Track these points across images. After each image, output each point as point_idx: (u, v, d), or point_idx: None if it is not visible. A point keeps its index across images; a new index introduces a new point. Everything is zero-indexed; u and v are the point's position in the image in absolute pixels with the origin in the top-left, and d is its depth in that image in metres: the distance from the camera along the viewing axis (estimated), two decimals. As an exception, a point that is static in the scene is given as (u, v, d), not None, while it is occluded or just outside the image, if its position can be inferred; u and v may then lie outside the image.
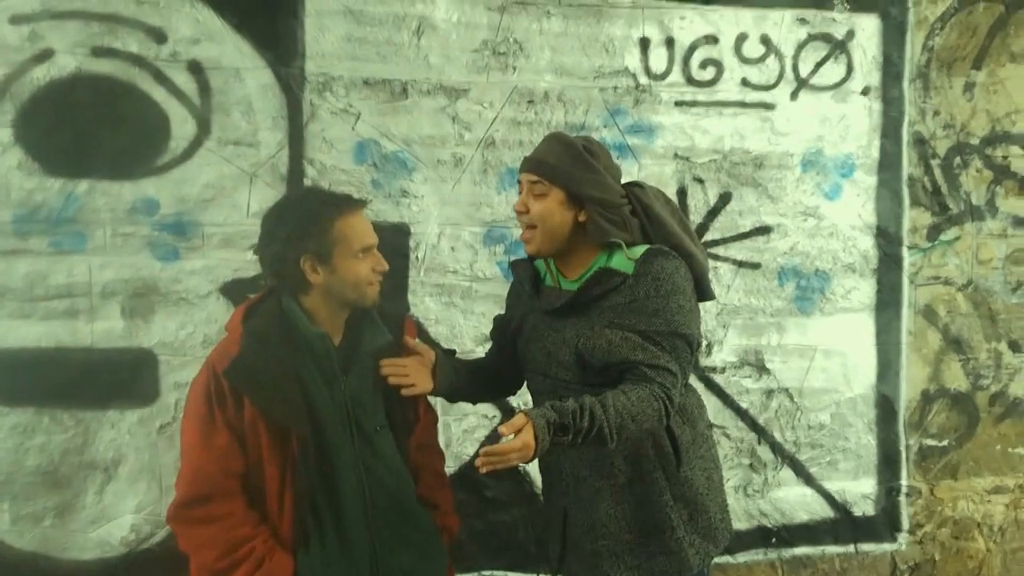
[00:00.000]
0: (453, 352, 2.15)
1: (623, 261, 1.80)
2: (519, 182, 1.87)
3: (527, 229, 1.83)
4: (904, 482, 3.15)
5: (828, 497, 3.10)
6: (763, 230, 2.97)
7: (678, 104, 2.85)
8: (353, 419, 1.89)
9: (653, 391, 1.69)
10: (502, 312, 2.13)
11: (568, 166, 1.79)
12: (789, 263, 3.00)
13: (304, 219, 1.81)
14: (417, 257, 2.70)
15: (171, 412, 2.55)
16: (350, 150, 2.64)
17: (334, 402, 1.87)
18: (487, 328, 2.72)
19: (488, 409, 2.78)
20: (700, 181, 2.88)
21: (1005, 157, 3.12)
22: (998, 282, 3.18)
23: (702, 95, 2.87)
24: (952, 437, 3.19)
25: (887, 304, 3.09)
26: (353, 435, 1.89)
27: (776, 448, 3.04)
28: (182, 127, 2.53)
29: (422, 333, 2.68)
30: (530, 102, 2.74)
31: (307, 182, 2.60)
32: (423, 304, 2.71)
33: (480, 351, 2.74)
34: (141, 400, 2.54)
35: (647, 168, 2.82)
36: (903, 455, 3.15)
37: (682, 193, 2.86)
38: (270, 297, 1.92)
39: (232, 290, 2.57)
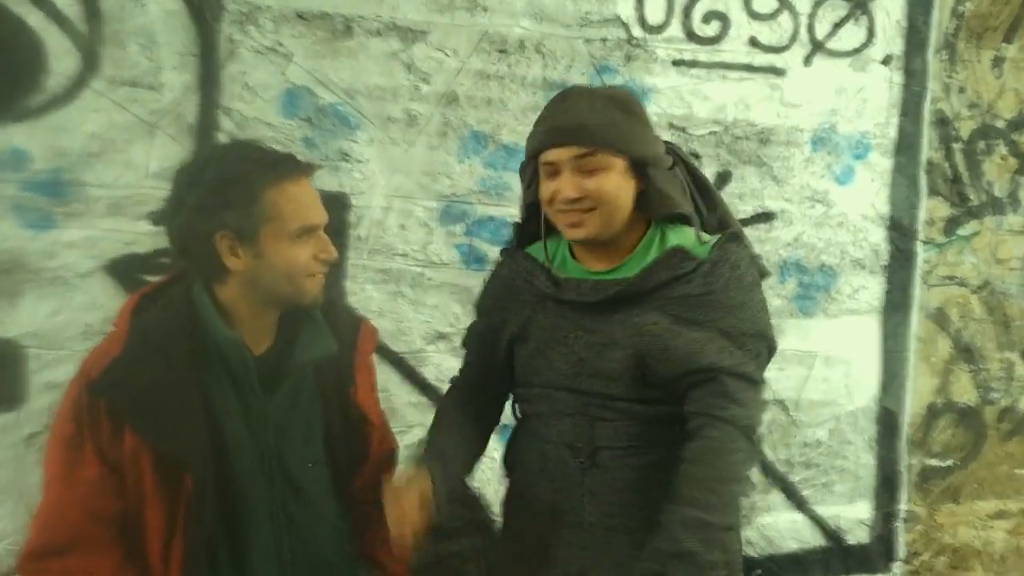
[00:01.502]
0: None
1: (692, 241, 1.47)
2: (543, 164, 1.44)
3: (579, 213, 1.42)
4: (903, 506, 2.81)
5: (820, 524, 2.74)
6: (765, 216, 2.56)
7: (676, 64, 2.40)
8: (275, 453, 1.45)
9: (728, 433, 1.35)
10: (477, 319, 1.67)
11: (624, 124, 1.43)
12: (792, 256, 2.59)
13: (224, 182, 1.38)
14: (358, 236, 2.21)
15: (42, 419, 2.02)
16: (277, 99, 2.13)
17: (250, 430, 1.44)
18: (441, 324, 2.26)
19: (439, 421, 2.33)
20: (697, 156, 2.44)
21: (1032, 144, 2.77)
22: (1015, 284, 2.83)
23: (703, 54, 2.43)
24: (957, 456, 2.86)
25: (896, 306, 2.72)
26: (273, 474, 1.45)
27: (767, 468, 2.65)
28: (62, 61, 1.98)
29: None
30: (502, 51, 2.26)
31: (221, 137, 2.08)
32: (363, 293, 2.23)
33: (431, 350, 2.28)
34: (3, 403, 2.02)
35: (637, 138, 2.37)
36: (903, 476, 2.80)
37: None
38: (176, 284, 1.47)
39: (122, 269, 2.05)
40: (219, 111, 2.09)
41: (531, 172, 1.51)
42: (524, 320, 1.54)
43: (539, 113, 1.51)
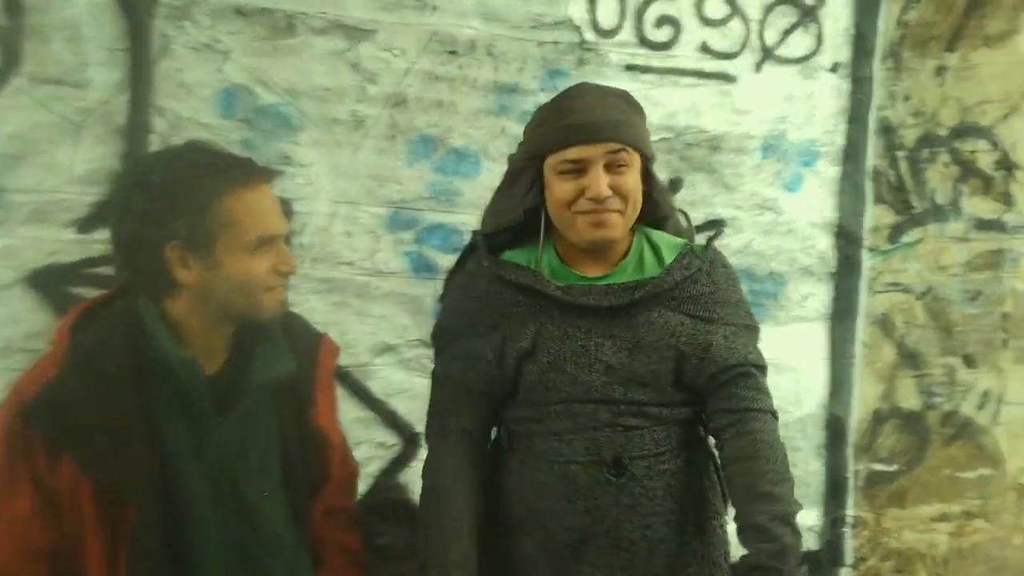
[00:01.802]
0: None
1: (677, 244, 1.50)
2: (561, 163, 1.39)
3: (606, 213, 1.38)
4: (850, 512, 2.82)
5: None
6: (715, 224, 2.53)
7: (628, 68, 2.36)
8: (227, 481, 1.35)
9: (768, 423, 1.42)
10: (457, 344, 1.51)
11: (640, 123, 1.47)
12: (742, 263, 2.58)
13: (175, 187, 1.29)
14: (301, 244, 2.11)
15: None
16: (214, 99, 2.02)
17: (201, 457, 1.33)
18: (388, 336, 2.17)
19: (387, 436, 2.24)
20: (650, 163, 2.41)
21: (973, 152, 2.81)
22: (956, 290, 2.88)
23: (656, 60, 2.39)
24: (902, 461, 2.89)
25: (843, 313, 2.73)
26: (226, 503, 1.35)
27: (718, 476, 2.63)
28: (-22, 55, 1.85)
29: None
30: (452, 52, 2.19)
31: (153, 138, 1.96)
32: (307, 303, 2.12)
33: (378, 363, 2.19)
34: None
35: (590, 144, 2.33)
36: (850, 482, 2.82)
37: (629, 176, 2.39)
38: (119, 299, 1.36)
39: (45, 280, 1.91)
40: (151, 111, 1.97)
41: (532, 174, 1.44)
42: (531, 334, 1.43)
43: (540, 113, 1.47)
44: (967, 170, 2.81)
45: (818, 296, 2.69)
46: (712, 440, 1.52)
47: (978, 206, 2.84)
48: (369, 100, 2.14)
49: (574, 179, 1.39)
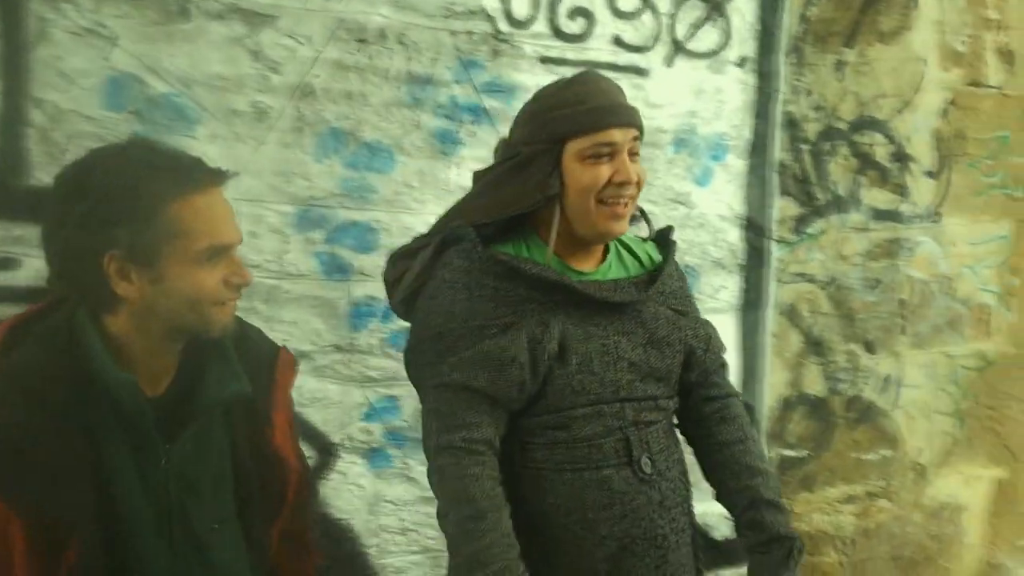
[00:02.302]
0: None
1: (640, 240, 1.56)
2: (594, 146, 1.33)
3: (625, 206, 1.36)
4: (764, 498, 2.87)
5: (690, 522, 2.75)
6: (632, 219, 2.51)
7: (543, 61, 2.30)
8: (177, 512, 1.23)
9: (741, 406, 1.55)
10: (473, 347, 1.34)
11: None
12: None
13: (116, 191, 1.17)
14: (203, 245, 1.95)
15: None
16: (99, 89, 1.83)
17: (147, 486, 1.21)
18: (300, 342, 2.04)
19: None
20: (566, 157, 2.36)
21: (870, 145, 2.90)
22: (857, 279, 2.97)
23: (570, 52, 2.35)
24: (810, 446, 2.96)
25: (753, 304, 2.77)
26: (174, 536, 1.23)
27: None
28: None
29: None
30: (361, 41, 2.07)
31: (30, 132, 1.77)
32: (211, 310, 1.97)
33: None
34: None
35: (506, 138, 2.26)
36: (764, 469, 2.87)
37: (546, 171, 2.33)
38: (53, 315, 1.22)
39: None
40: (28, 102, 1.78)
41: (552, 159, 1.34)
42: (557, 334, 1.33)
43: (552, 98, 1.39)
44: (865, 162, 2.90)
45: (729, 288, 2.72)
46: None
47: (876, 197, 2.94)
48: (272, 91, 2.00)
49: (601, 164, 1.33)
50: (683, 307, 1.48)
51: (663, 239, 1.55)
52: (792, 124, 2.76)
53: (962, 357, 3.19)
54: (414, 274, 1.42)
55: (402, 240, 2.15)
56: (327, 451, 2.14)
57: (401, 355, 2.18)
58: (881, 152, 2.92)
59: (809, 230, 2.85)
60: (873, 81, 2.87)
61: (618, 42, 2.41)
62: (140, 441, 1.21)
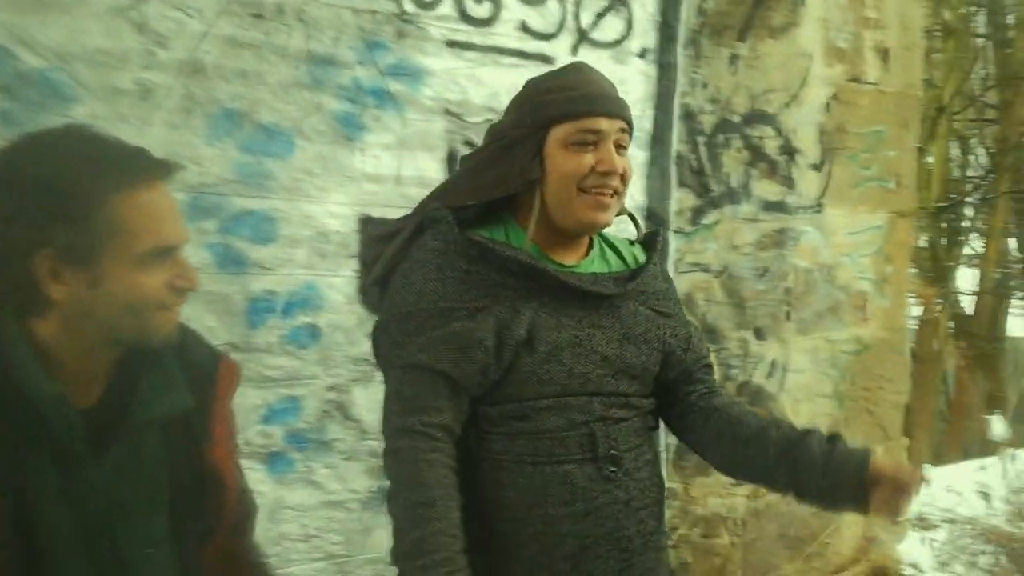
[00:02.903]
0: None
1: (626, 239, 1.51)
2: (579, 132, 1.29)
3: (609, 195, 1.31)
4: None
5: (594, 512, 2.75)
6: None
7: (450, 45, 2.22)
8: (105, 534, 1.11)
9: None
10: (436, 326, 1.29)
11: None
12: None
13: (52, 183, 1.05)
14: (81, 236, 1.77)
15: None
16: (-41, 59, 1.62)
17: (72, 507, 1.09)
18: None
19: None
20: (472, 146, 2.29)
21: (760, 138, 2.99)
22: (747, 268, 3.06)
23: (477, 36, 2.28)
24: (706, 433, 3.03)
25: (654, 294, 2.80)
26: (100, 559, 1.11)
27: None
28: None
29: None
30: (257, 16, 1.93)
31: None
32: (91, 307, 1.79)
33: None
34: None
35: (412, 124, 2.16)
36: (663, 456, 2.91)
37: (452, 159, 2.25)
38: None
39: None
40: None
41: (535, 143, 1.30)
42: (527, 321, 1.29)
43: (542, 82, 1.36)
44: (756, 155, 2.98)
45: (632, 278, 2.73)
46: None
47: (765, 189, 3.03)
48: (159, 67, 1.83)
49: (586, 152, 1.29)
50: (666, 309, 1.43)
51: (650, 241, 1.51)
52: (689, 116, 2.80)
53: (841, 342, 3.35)
54: (388, 256, 1.37)
55: (303, 231, 2.03)
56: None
57: (301, 353, 2.09)
58: (771, 145, 3.01)
59: (705, 221, 2.90)
60: (763, 75, 2.95)
61: (525, 28, 2.36)
62: (65, 455, 1.08)
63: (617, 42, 2.57)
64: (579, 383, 1.31)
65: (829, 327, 3.30)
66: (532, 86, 1.39)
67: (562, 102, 1.30)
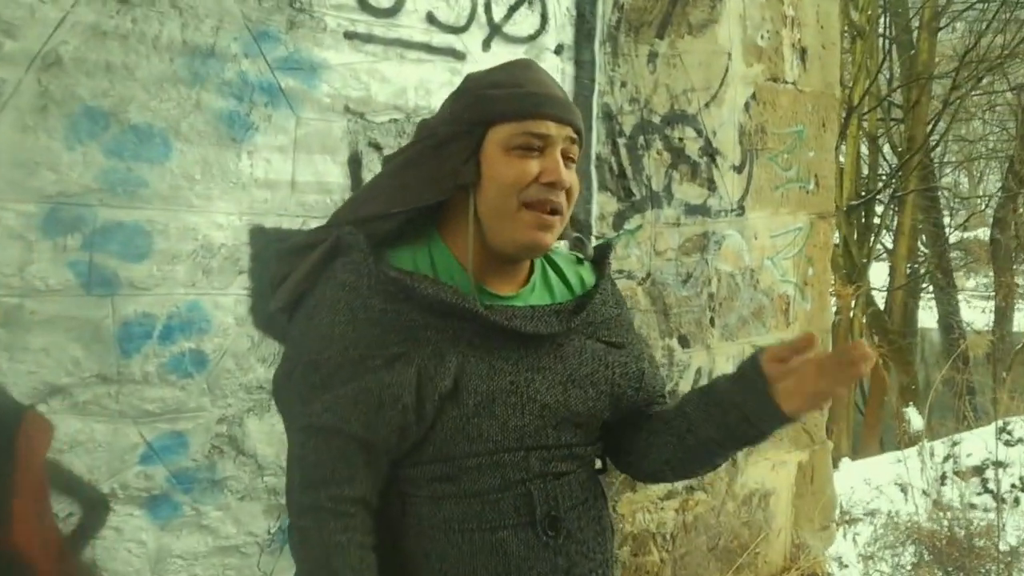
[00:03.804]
0: None
1: (574, 259, 1.32)
2: (523, 135, 1.13)
3: (553, 215, 1.14)
4: (590, 503, 2.78)
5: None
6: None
7: (349, 36, 2.03)
8: None
9: None
10: (341, 377, 1.11)
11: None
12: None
13: None
14: (-92, 257, 1.51)
15: None
16: None
17: None
18: (55, 374, 1.65)
19: (62, 504, 1.70)
20: (378, 148, 2.10)
21: (681, 139, 2.88)
22: (671, 274, 2.95)
23: (379, 28, 2.09)
24: (633, 446, 2.91)
25: (576, 303, 2.66)
26: None
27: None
28: None
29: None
30: (123, 2, 1.69)
31: None
32: (-76, 339, 1.53)
33: (43, 411, 1.65)
34: None
35: (308, 124, 1.95)
36: (589, 473, 2.77)
37: (356, 163, 2.06)
38: None
39: None
40: None
41: (471, 143, 1.13)
42: (455, 368, 1.10)
43: (487, 76, 1.19)
44: (677, 157, 2.88)
45: (552, 287, 2.59)
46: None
47: (687, 192, 2.93)
48: (6, 60, 1.58)
49: (530, 159, 1.12)
50: (618, 338, 1.26)
51: (600, 261, 1.33)
52: (608, 117, 2.67)
53: (765, 346, 3.28)
54: (296, 280, 1.17)
55: (183, 245, 1.80)
56: (96, 504, 1.75)
57: (185, 383, 1.86)
58: (692, 147, 2.91)
59: (627, 226, 2.78)
60: (683, 74, 2.84)
61: (432, 20, 2.18)
62: None
63: (532, 37, 2.42)
64: (515, 437, 1.14)
65: (753, 332, 3.22)
66: (473, 79, 1.22)
67: (506, 99, 1.14)
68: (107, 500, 1.77)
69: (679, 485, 3.06)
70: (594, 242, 2.68)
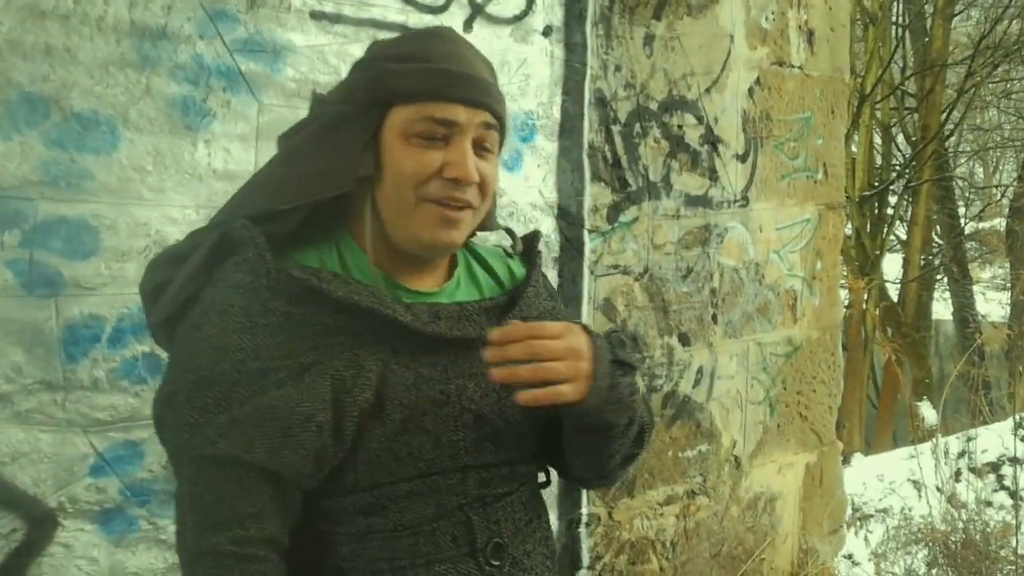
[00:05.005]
0: None
1: (502, 252, 1.18)
2: (425, 120, 0.98)
3: (460, 210, 0.99)
4: (584, 510, 2.64)
5: (507, 546, 2.46)
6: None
7: (315, 17, 1.89)
8: None
9: None
10: (236, 398, 0.94)
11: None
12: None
13: None
14: None
15: None
16: None
17: None
18: (-10, 382, 1.53)
19: (3, 521, 1.59)
20: (349, 135, 1.97)
21: (680, 127, 2.73)
22: (671, 269, 2.80)
23: (348, 7, 1.95)
24: (630, 450, 2.77)
25: (568, 300, 2.52)
26: None
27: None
28: None
29: None
30: (62, -21, 1.57)
31: None
32: None
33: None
34: None
35: (272, 111, 1.82)
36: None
37: (324, 152, 1.93)
38: None
39: None
40: None
41: (369, 126, 0.98)
42: (376, 378, 0.95)
43: (393, 46, 1.04)
44: (676, 145, 2.73)
45: (543, 284, 2.45)
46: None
47: (687, 182, 2.78)
48: (-68, 41, 1.46)
49: (432, 149, 0.98)
50: None
51: (530, 251, 1.19)
52: (602, 103, 2.53)
53: (771, 344, 3.14)
54: (177, 288, 1.00)
55: (134, 241, 1.68)
56: (42, 520, 1.63)
57: (139, 388, 1.73)
58: (692, 134, 2.76)
59: (622, 218, 2.63)
60: (682, 58, 2.69)
61: None
62: None
63: (517, 18, 2.28)
64: (450, 455, 1.00)
65: (759, 329, 3.08)
66: (377, 47, 1.06)
67: (408, 75, 0.98)
68: (55, 515, 1.65)
69: (680, 489, 2.93)
70: (588, 235, 2.54)
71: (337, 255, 1.02)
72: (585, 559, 2.66)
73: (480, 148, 1.00)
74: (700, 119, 2.76)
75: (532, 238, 1.20)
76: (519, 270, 1.16)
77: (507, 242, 1.20)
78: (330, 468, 0.95)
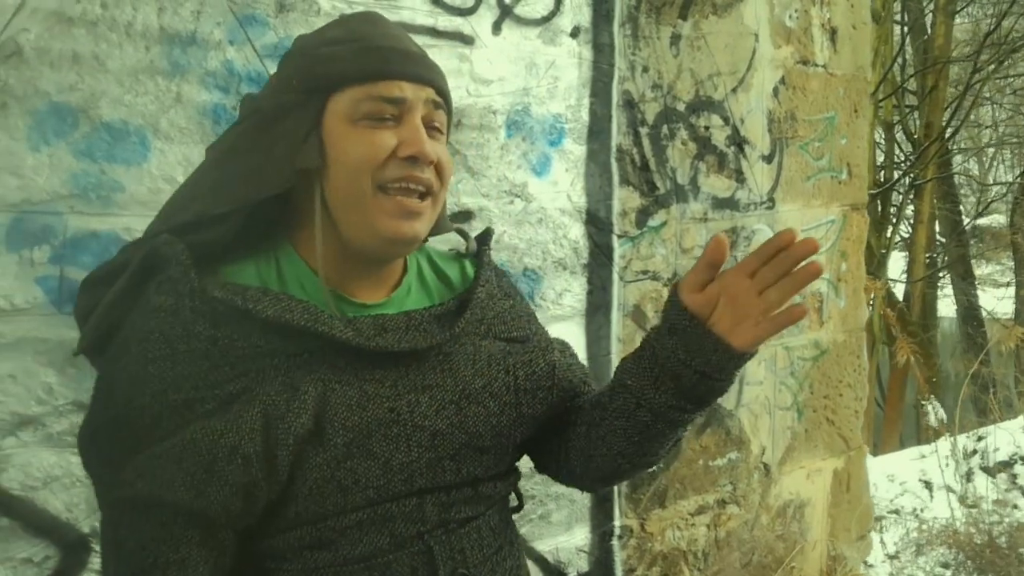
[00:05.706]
0: None
1: (454, 253, 1.14)
2: (374, 99, 0.91)
3: (420, 197, 0.92)
4: (617, 523, 2.58)
5: (540, 561, 2.40)
6: (463, 216, 2.11)
7: (346, 20, 1.83)
8: None
9: None
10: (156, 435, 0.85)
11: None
12: (495, 260, 2.19)
13: None
14: None
15: None
16: None
17: None
18: (23, 403, 1.48)
19: (35, 548, 1.52)
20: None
21: (707, 128, 2.68)
22: (698, 273, 2.75)
23: (379, 10, 1.88)
24: (661, 459, 2.71)
25: (598, 307, 2.46)
26: None
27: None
28: None
29: None
30: (91, -15, 1.51)
31: None
32: None
33: (11, 446, 1.48)
34: None
35: (303, 118, 1.77)
36: (615, 489, 2.58)
37: (356, 160, 1.87)
38: None
39: None
40: None
41: (310, 115, 0.91)
42: (315, 401, 0.86)
43: (326, 31, 0.98)
44: (704, 147, 2.68)
45: (573, 291, 2.39)
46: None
47: (714, 184, 2.73)
48: (-43, 50, 1.40)
49: (383, 129, 0.90)
50: (518, 331, 1.06)
51: (478, 247, 1.13)
52: (629, 105, 2.47)
53: (799, 348, 3.08)
54: (101, 313, 0.91)
55: (167, 255, 1.62)
56: (75, 547, 1.57)
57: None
58: (718, 136, 2.71)
59: (651, 223, 2.58)
60: (708, 57, 2.64)
61: (436, 1, 1.98)
62: None
63: (545, 19, 2.22)
64: (402, 479, 0.91)
65: (786, 333, 3.02)
66: (304, 38, 1.00)
67: (344, 57, 0.91)
68: (88, 540, 1.59)
69: (711, 499, 2.87)
70: (617, 241, 2.48)
71: (275, 266, 0.94)
72: (619, 572, 2.60)
73: (430, 128, 0.94)
74: (726, 120, 2.71)
75: (483, 237, 1.13)
76: (472, 271, 1.10)
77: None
78: (266, 503, 0.86)
